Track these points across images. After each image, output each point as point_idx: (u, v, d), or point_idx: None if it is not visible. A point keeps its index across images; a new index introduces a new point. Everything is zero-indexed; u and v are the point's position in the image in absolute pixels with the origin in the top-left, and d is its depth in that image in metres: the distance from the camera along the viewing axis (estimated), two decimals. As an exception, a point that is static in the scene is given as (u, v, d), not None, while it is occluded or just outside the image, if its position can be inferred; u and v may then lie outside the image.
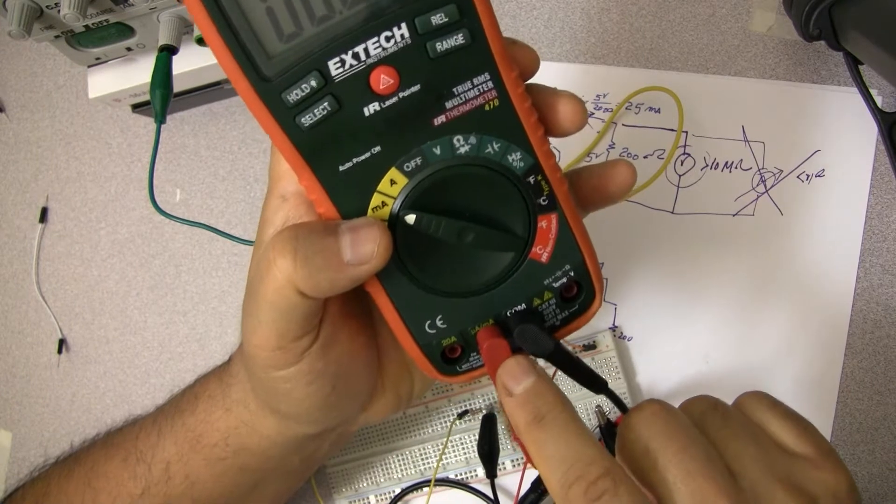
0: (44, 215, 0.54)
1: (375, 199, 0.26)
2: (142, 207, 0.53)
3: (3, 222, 0.55)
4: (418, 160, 0.26)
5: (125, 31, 0.43)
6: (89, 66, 0.47)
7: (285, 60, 0.24)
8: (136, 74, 0.46)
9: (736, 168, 0.47)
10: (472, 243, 0.27)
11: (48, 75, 0.56)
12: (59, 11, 0.38)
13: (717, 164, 0.47)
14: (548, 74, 0.50)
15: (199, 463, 0.35)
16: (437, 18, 0.24)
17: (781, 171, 0.47)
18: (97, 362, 0.53)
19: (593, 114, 0.48)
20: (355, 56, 0.24)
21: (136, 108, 0.50)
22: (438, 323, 0.29)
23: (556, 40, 0.50)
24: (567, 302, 0.30)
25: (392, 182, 0.26)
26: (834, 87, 0.47)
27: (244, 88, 0.24)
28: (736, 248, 0.47)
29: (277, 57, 0.24)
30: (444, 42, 0.24)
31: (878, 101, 0.45)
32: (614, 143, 0.48)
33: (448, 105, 0.25)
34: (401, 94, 0.25)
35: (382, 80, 0.24)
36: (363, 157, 0.26)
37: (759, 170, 0.47)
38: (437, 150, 0.26)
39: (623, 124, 0.48)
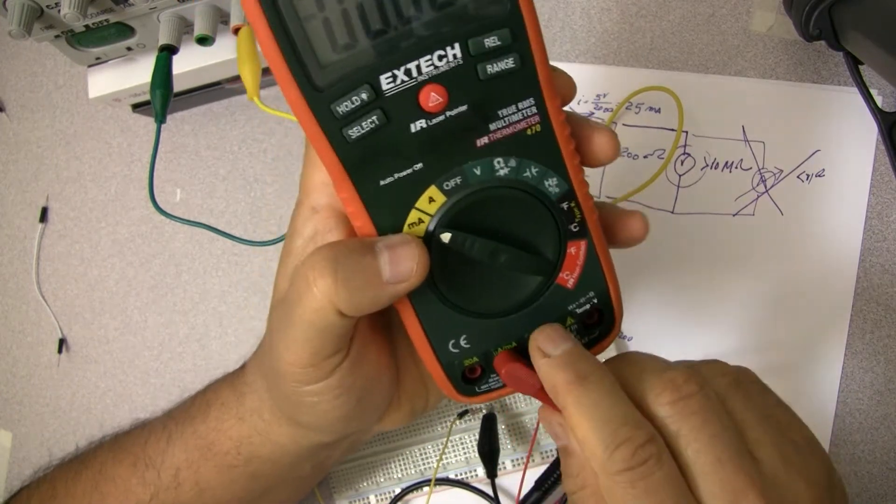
0: (44, 215, 0.54)
1: (413, 216, 0.26)
2: (142, 207, 0.53)
3: (3, 222, 0.55)
4: (458, 179, 0.26)
5: (125, 30, 0.43)
6: (89, 66, 0.47)
7: (337, 71, 0.24)
8: (137, 74, 0.46)
9: (736, 168, 0.47)
10: (503, 265, 0.27)
11: (48, 75, 0.56)
12: (59, 11, 0.38)
13: (718, 163, 0.47)
14: (548, 74, 0.50)
15: (209, 470, 0.35)
16: (490, 41, 0.24)
17: (781, 170, 0.47)
18: (97, 362, 0.53)
19: (593, 114, 0.48)
20: (407, 72, 0.24)
21: (137, 107, 0.50)
22: (462, 343, 0.29)
23: (556, 40, 0.50)
24: (588, 328, 0.30)
25: (431, 200, 0.26)
26: (834, 86, 0.47)
27: (294, 97, 0.24)
28: (736, 247, 0.47)
29: (329, 67, 0.24)
30: (494, 65, 0.25)
31: (879, 101, 0.45)
32: (614, 143, 0.48)
33: (492, 127, 0.26)
34: (448, 114, 0.25)
35: (432, 97, 0.25)
36: (405, 173, 0.26)
37: (759, 170, 0.47)
38: (478, 171, 0.26)
39: (623, 124, 0.48)
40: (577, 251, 0.28)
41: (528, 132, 0.26)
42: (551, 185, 0.27)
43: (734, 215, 0.47)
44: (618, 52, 0.49)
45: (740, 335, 0.46)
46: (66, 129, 0.55)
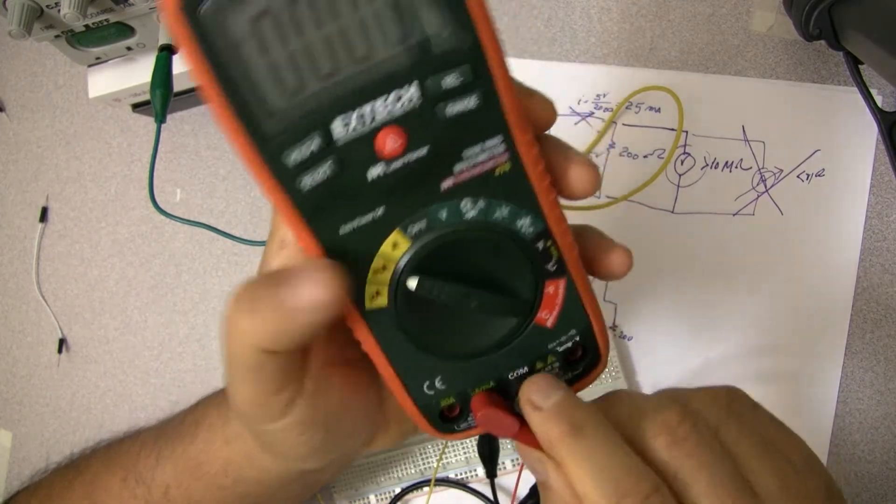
0: (44, 215, 0.54)
1: (377, 262, 0.25)
2: (142, 207, 0.53)
3: (3, 222, 0.55)
4: (423, 223, 0.25)
5: (125, 30, 0.43)
6: (89, 66, 0.47)
7: (287, 118, 0.22)
8: (137, 74, 0.46)
9: (736, 167, 0.47)
10: (475, 309, 0.26)
11: (48, 75, 0.56)
12: (59, 11, 0.38)
13: (718, 163, 0.47)
14: (548, 74, 0.50)
15: (199, 489, 0.35)
16: (450, 80, 0.23)
17: (781, 170, 0.47)
18: (97, 362, 0.53)
19: (593, 113, 0.48)
20: (360, 116, 0.22)
21: (137, 107, 0.50)
22: (437, 384, 0.28)
23: (556, 40, 0.50)
24: (571, 365, 0.29)
25: (395, 245, 0.25)
26: (834, 86, 0.47)
27: (242, 146, 0.22)
28: (736, 247, 0.47)
29: (279, 115, 0.22)
30: (455, 104, 0.23)
31: (878, 100, 0.45)
32: (614, 143, 0.48)
33: (457, 168, 0.24)
34: (408, 157, 0.23)
35: (389, 141, 0.23)
36: (366, 220, 0.24)
37: (759, 169, 0.47)
38: (444, 214, 0.25)
39: (623, 124, 0.48)
40: (555, 290, 0.27)
41: (497, 172, 0.25)
42: (524, 225, 0.26)
43: (734, 215, 0.47)
44: (618, 52, 0.49)
45: (740, 334, 0.46)
46: (66, 129, 0.55)
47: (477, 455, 0.44)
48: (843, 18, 0.42)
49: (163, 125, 0.42)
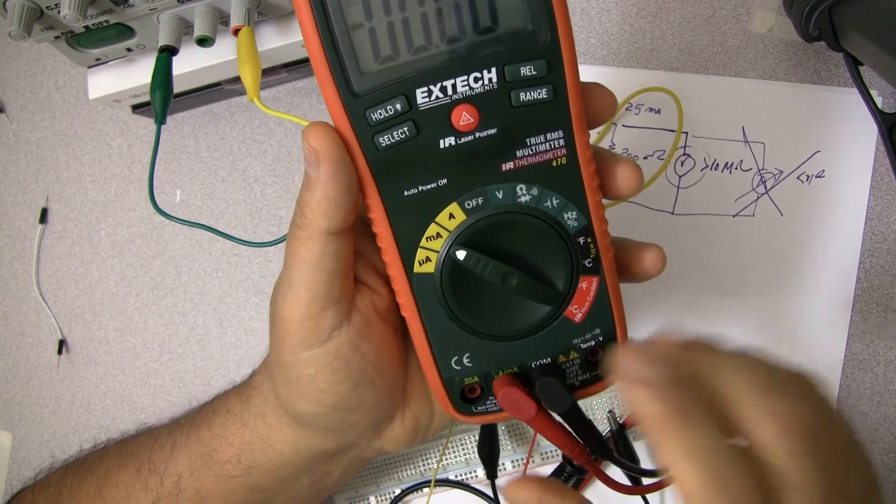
0: (44, 216, 0.54)
1: (431, 230, 0.27)
2: (142, 208, 0.53)
3: (3, 223, 0.55)
4: (479, 200, 0.27)
5: (125, 31, 0.43)
6: (89, 67, 0.47)
7: (376, 80, 0.25)
8: (137, 75, 0.46)
9: (736, 169, 0.47)
10: (514, 289, 0.28)
11: (48, 76, 0.56)
12: (59, 12, 0.38)
13: (717, 164, 0.47)
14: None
15: (210, 479, 0.35)
16: (526, 70, 0.25)
17: (781, 171, 0.47)
18: (97, 363, 0.53)
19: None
20: (442, 89, 0.25)
21: (137, 108, 0.50)
22: (465, 361, 0.29)
23: (556, 41, 0.50)
24: (590, 365, 0.30)
25: (451, 216, 0.27)
26: (834, 87, 0.47)
27: (331, 98, 0.25)
28: (736, 248, 0.47)
29: (369, 75, 0.25)
30: (527, 93, 0.25)
31: (879, 101, 0.45)
32: (614, 144, 0.48)
33: (518, 153, 0.26)
34: (477, 134, 0.26)
35: (463, 117, 0.25)
36: (429, 187, 0.26)
37: (759, 170, 0.47)
38: (500, 195, 0.27)
39: (623, 125, 0.48)
40: (588, 287, 0.29)
41: (554, 163, 0.27)
42: (570, 218, 0.28)
43: (734, 216, 0.47)
44: (617, 53, 0.49)
45: (740, 335, 0.46)
46: (66, 130, 0.55)
47: (477, 456, 0.44)
48: (844, 19, 0.42)
49: (163, 126, 0.41)
